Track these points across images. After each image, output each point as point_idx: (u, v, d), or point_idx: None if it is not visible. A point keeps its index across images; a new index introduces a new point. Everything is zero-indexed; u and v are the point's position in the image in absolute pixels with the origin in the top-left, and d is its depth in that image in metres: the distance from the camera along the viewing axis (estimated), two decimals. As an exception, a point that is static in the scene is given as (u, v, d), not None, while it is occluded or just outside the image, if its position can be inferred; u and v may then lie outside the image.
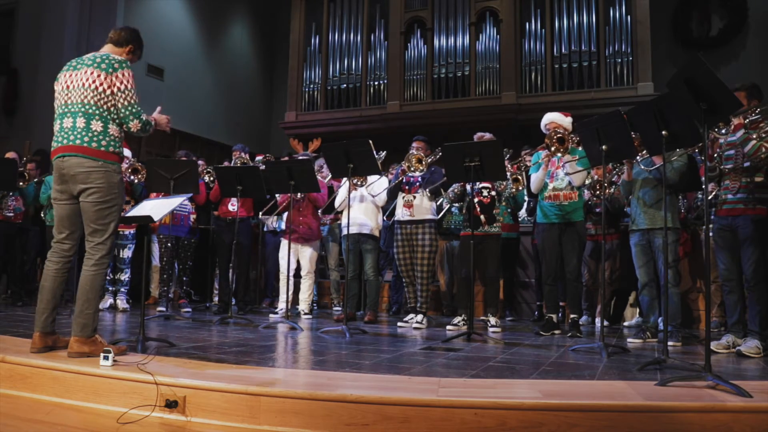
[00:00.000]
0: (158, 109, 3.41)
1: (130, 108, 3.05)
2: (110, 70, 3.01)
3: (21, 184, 6.00)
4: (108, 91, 3.01)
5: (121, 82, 3.02)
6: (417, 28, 10.34)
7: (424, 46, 10.21)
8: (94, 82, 3.00)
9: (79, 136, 2.97)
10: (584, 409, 2.18)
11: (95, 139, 2.98)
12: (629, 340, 4.35)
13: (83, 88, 3.00)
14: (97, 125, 2.99)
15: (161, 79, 10.03)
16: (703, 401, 2.25)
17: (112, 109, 3.03)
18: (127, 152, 6.06)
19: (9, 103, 9.67)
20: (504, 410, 2.18)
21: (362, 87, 10.57)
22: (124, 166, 5.85)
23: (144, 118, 3.11)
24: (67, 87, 3.05)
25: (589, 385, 2.64)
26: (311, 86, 10.92)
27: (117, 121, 3.06)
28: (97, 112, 3.00)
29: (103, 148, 2.99)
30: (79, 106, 3.00)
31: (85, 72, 3.02)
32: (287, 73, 11.23)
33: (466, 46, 9.93)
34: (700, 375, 2.57)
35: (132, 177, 5.77)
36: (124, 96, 3.03)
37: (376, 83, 10.49)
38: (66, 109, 3.03)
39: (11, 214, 6.32)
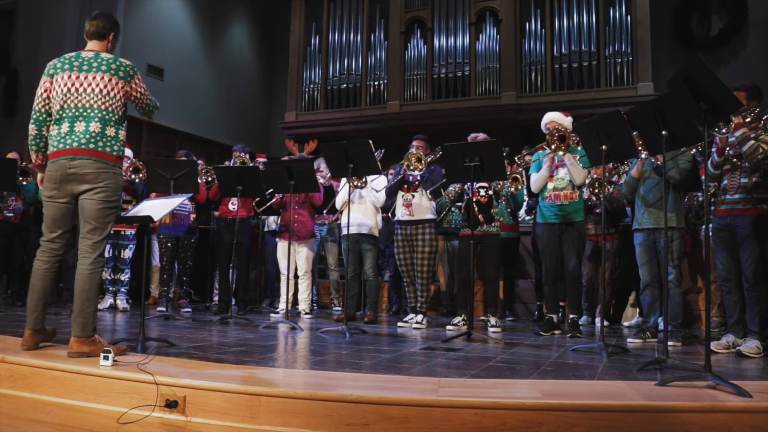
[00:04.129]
0: None
1: (151, 104, 3.31)
2: (128, 78, 3.14)
3: (23, 181, 5.98)
4: (123, 99, 3.14)
5: (140, 88, 3.20)
6: (417, 28, 10.33)
7: (424, 46, 10.20)
8: (113, 89, 3.08)
9: (92, 140, 3.01)
10: (584, 409, 2.18)
11: (109, 143, 3.06)
12: (629, 340, 4.35)
13: (101, 94, 3.05)
14: (110, 131, 3.07)
15: (161, 79, 10.02)
16: (703, 401, 2.25)
17: (121, 113, 3.15)
18: (128, 152, 6.07)
19: (9, 103, 9.66)
20: (504, 410, 2.18)
21: (362, 87, 10.56)
22: (125, 165, 5.87)
23: (158, 104, 3.40)
24: (77, 89, 3.03)
25: (589, 385, 2.64)
26: (311, 86, 10.91)
27: (125, 125, 3.19)
28: (113, 118, 3.09)
29: (115, 153, 3.09)
30: (96, 111, 3.04)
31: (102, 78, 3.06)
32: (287, 73, 11.22)
33: (466, 46, 9.93)
34: (700, 375, 2.57)
35: (133, 176, 5.77)
36: (144, 99, 3.26)
37: (376, 83, 10.48)
38: (78, 112, 3.02)
39: (11, 215, 6.32)
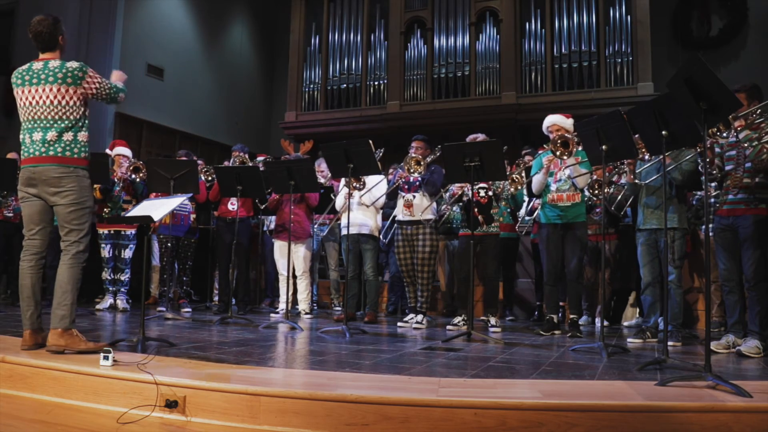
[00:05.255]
0: (114, 75, 3.52)
1: (111, 93, 3.32)
2: (77, 82, 3.16)
3: None
4: (79, 102, 3.18)
5: (94, 84, 3.21)
6: (417, 28, 10.34)
7: (424, 46, 10.21)
8: (63, 97, 3.13)
9: (51, 147, 3.11)
10: (584, 409, 2.18)
11: (68, 148, 3.14)
12: (629, 340, 4.35)
13: (52, 105, 3.12)
14: (68, 135, 3.15)
15: (161, 79, 10.03)
16: (703, 401, 2.25)
17: (78, 115, 3.18)
18: (127, 151, 6.07)
19: (9, 103, 9.66)
20: (504, 410, 2.18)
21: (362, 87, 10.57)
22: (126, 164, 5.86)
23: (121, 86, 3.41)
24: (30, 103, 3.14)
25: (589, 385, 2.64)
26: (311, 86, 10.92)
27: (85, 125, 3.22)
28: (69, 124, 3.15)
29: (75, 156, 3.16)
30: (51, 121, 3.12)
31: (51, 89, 3.12)
32: (287, 73, 11.23)
33: (466, 46, 9.93)
34: (700, 375, 2.57)
35: (133, 176, 5.76)
36: (101, 90, 3.26)
37: (376, 83, 10.49)
38: (35, 124, 3.14)
39: (11, 214, 6.32)
